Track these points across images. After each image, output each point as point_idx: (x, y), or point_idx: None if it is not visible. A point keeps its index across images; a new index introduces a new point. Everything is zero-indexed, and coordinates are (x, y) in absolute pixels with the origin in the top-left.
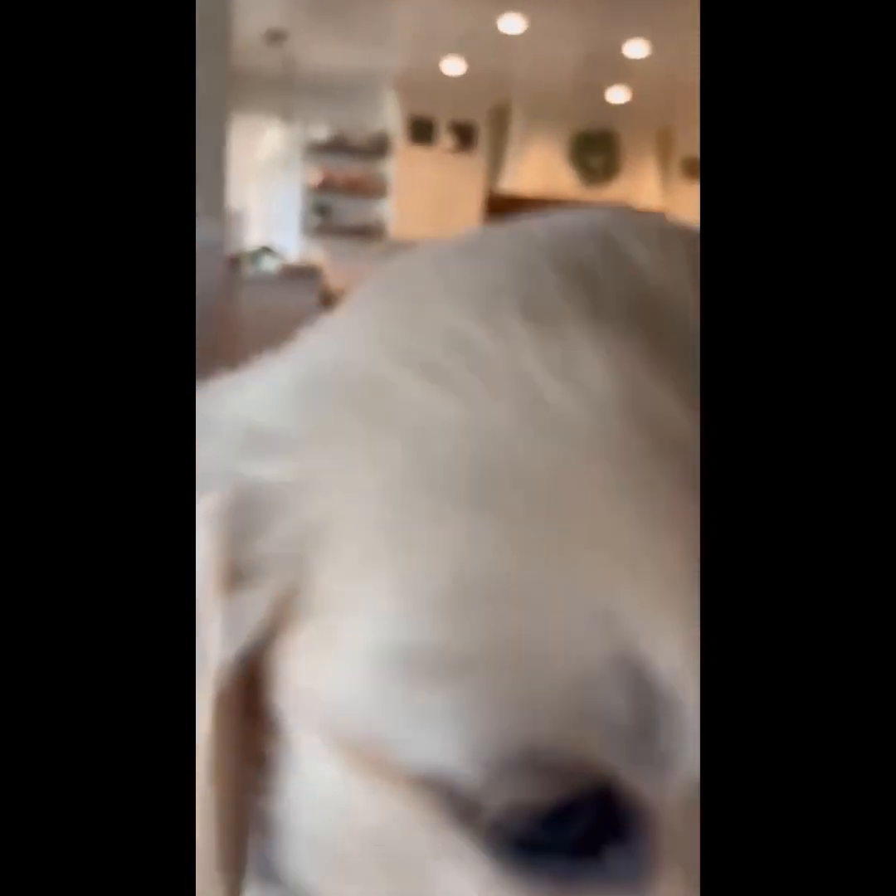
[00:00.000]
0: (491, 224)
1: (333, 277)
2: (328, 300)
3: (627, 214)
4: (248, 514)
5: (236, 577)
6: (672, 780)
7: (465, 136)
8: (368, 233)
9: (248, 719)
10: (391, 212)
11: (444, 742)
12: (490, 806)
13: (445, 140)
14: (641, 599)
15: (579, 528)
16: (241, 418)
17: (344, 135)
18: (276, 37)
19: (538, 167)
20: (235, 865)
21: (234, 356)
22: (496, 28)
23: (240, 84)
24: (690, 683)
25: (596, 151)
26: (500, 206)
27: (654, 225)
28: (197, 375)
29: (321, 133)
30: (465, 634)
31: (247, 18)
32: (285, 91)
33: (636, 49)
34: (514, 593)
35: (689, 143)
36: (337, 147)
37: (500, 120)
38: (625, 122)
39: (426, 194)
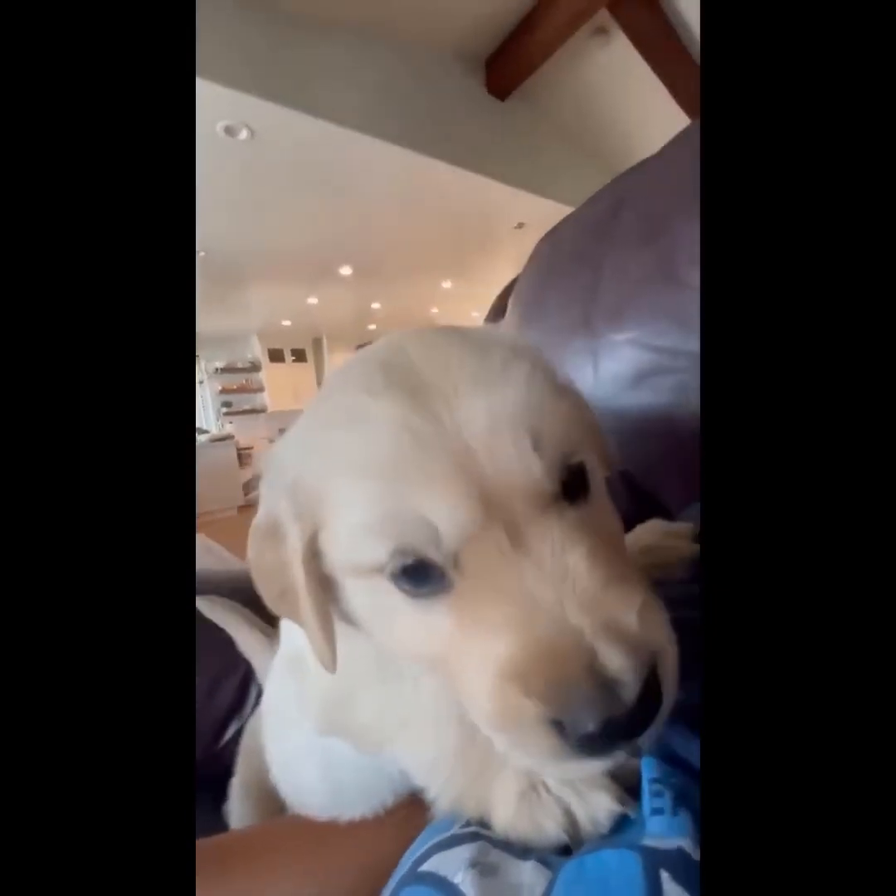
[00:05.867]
0: None
1: (240, 439)
2: (240, 451)
3: (408, 332)
4: (298, 497)
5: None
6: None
7: (300, 356)
8: (256, 411)
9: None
10: (267, 399)
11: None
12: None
13: (289, 359)
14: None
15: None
16: (283, 465)
17: (233, 363)
18: None
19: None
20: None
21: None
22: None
23: None
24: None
25: None
26: None
27: (425, 332)
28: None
29: (219, 364)
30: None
31: None
32: (196, 345)
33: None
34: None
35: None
36: (229, 369)
37: (317, 345)
38: (374, 339)
39: (284, 388)
